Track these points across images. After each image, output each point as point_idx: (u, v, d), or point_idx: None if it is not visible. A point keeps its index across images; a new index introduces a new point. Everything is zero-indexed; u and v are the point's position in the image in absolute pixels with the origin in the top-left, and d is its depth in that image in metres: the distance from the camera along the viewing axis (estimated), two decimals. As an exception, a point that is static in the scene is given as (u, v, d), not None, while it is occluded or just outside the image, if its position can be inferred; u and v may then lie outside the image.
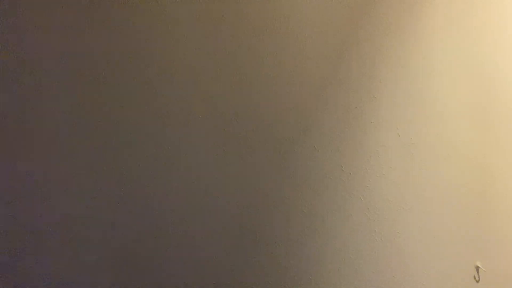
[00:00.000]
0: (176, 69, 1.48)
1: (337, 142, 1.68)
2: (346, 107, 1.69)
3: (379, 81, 1.73)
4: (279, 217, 1.59)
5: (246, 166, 1.55)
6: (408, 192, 1.77)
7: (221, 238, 1.54)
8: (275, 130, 1.59)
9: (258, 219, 1.58)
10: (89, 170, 1.41)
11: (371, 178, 1.72)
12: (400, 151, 1.76)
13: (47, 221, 1.38)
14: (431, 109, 1.80)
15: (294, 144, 1.62)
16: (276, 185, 1.60)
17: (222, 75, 1.53)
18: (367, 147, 1.72)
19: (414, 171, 1.78)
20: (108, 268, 1.43)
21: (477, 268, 1.86)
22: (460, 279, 1.85)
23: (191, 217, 1.49)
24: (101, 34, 1.41)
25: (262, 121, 1.58)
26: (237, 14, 1.55)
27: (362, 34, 1.70)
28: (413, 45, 1.77)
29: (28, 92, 1.35)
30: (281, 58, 1.60)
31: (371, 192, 1.72)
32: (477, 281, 1.86)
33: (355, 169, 1.70)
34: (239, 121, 1.55)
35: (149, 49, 1.46)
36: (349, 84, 1.69)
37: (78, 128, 1.40)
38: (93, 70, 1.41)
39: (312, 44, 1.63)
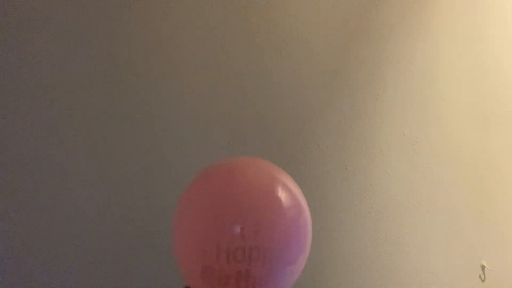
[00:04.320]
0: (179, 67, 1.49)
1: (342, 141, 1.68)
2: (350, 106, 1.68)
3: (384, 80, 1.73)
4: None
5: (250, 165, 1.55)
6: (413, 191, 1.77)
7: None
8: (280, 129, 1.60)
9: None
10: (90, 167, 1.42)
11: (375, 177, 1.72)
12: (404, 150, 1.75)
13: (48, 221, 1.39)
14: (436, 108, 1.80)
15: (298, 142, 1.62)
16: (281, 184, 1.59)
17: (226, 73, 1.53)
18: (371, 146, 1.71)
19: (418, 170, 1.77)
20: (109, 266, 1.44)
21: (483, 267, 1.85)
22: (465, 278, 1.84)
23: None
24: (103, 32, 1.42)
25: (266, 120, 1.58)
26: (242, 13, 1.55)
27: (367, 33, 1.70)
28: (418, 44, 1.77)
29: (28, 90, 1.36)
30: (286, 57, 1.60)
31: (376, 191, 1.72)
32: (483, 280, 1.85)
33: (359, 168, 1.70)
34: (244, 119, 1.56)
35: (150, 49, 1.46)
36: (354, 83, 1.69)
37: (80, 126, 1.41)
38: (97, 70, 1.42)
39: (317, 43, 1.63)
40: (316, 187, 1.64)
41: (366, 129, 1.70)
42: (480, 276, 1.85)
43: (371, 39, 1.70)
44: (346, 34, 1.67)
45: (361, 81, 1.69)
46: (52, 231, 1.39)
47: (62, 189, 1.39)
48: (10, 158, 1.34)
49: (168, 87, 1.48)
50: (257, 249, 0.68)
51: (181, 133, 1.49)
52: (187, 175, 1.52)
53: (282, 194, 0.76)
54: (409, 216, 1.76)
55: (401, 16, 1.73)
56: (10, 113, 1.34)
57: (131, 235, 1.45)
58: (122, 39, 1.43)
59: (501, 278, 1.88)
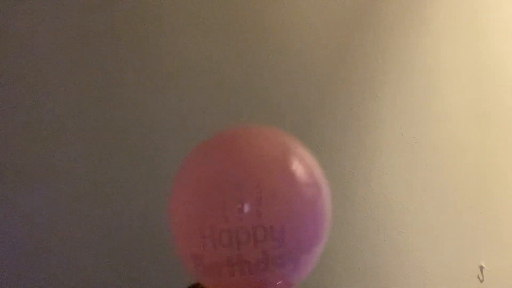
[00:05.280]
0: (180, 69, 1.49)
1: (340, 142, 1.68)
2: (349, 106, 1.69)
3: (383, 81, 1.73)
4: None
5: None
6: (412, 191, 1.77)
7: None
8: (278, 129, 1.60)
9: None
10: (89, 165, 1.42)
11: (374, 178, 1.72)
12: (403, 150, 1.76)
13: (47, 222, 1.39)
14: (435, 109, 1.80)
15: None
16: (280, 184, 1.59)
17: (225, 75, 1.54)
18: (370, 147, 1.72)
19: (417, 171, 1.77)
20: (105, 267, 1.43)
21: (481, 267, 1.85)
22: (464, 279, 1.84)
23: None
24: (104, 32, 1.43)
25: (265, 121, 1.58)
26: (241, 13, 1.55)
27: (366, 34, 1.70)
28: (417, 45, 1.77)
29: (29, 89, 1.37)
30: (285, 58, 1.60)
31: (375, 192, 1.72)
32: (481, 281, 1.85)
33: (358, 169, 1.70)
34: (242, 120, 1.56)
35: (154, 49, 1.47)
36: (353, 83, 1.69)
37: (83, 125, 1.41)
38: (97, 69, 1.42)
39: (316, 44, 1.64)
40: (315, 187, 1.64)
41: (365, 129, 1.71)
42: (478, 277, 1.85)
43: (370, 39, 1.70)
44: (345, 34, 1.68)
45: (360, 81, 1.70)
46: (51, 231, 1.39)
47: (62, 188, 1.39)
48: (9, 159, 1.35)
49: (168, 87, 1.49)
50: (244, 229, 0.59)
51: (182, 132, 1.50)
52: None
53: (286, 164, 0.65)
54: (407, 217, 1.76)
55: (401, 16, 1.74)
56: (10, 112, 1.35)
57: (131, 234, 1.45)
58: (122, 37, 1.44)
59: (500, 279, 1.88)
